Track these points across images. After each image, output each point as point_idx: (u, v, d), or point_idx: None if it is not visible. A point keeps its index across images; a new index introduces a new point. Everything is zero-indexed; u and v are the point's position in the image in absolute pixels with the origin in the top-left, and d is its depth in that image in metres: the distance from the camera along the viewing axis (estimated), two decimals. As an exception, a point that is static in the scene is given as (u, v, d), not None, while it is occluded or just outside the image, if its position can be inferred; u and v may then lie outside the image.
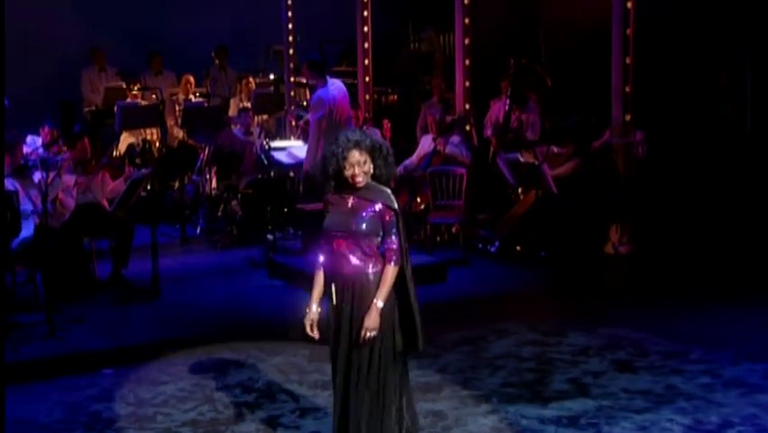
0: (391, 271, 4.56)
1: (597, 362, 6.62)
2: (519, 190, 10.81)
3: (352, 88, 13.82)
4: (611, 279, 9.13)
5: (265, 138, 12.11)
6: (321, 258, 4.67)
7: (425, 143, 10.92)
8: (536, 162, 9.61)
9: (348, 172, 4.53)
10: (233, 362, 6.81)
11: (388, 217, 4.58)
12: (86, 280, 8.85)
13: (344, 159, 4.52)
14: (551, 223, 9.57)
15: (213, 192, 11.57)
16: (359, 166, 4.53)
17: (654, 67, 10.62)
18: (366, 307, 4.54)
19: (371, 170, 4.58)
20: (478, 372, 6.49)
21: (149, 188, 10.84)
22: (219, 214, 11.11)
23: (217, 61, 14.34)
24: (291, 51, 13.19)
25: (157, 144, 13.14)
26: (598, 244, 9.92)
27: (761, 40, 10.57)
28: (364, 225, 4.55)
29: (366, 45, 12.14)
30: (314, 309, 4.65)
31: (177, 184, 12.03)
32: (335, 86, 9.35)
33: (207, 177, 11.70)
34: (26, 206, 8.15)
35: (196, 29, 14.61)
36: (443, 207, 10.01)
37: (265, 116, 13.36)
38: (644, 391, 6.01)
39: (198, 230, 11.34)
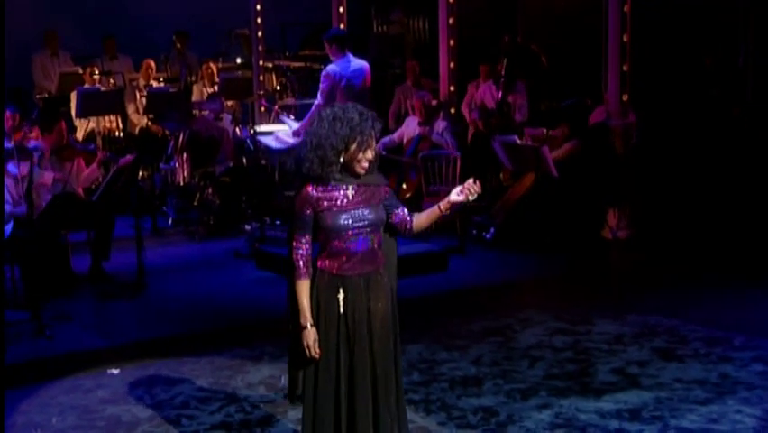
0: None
1: (636, 350, 6.29)
2: (501, 176, 10.52)
3: (316, 73, 13.42)
4: (620, 264, 8.85)
5: (237, 125, 11.63)
6: (305, 263, 3.96)
7: (411, 126, 10.50)
8: (535, 144, 9.26)
9: (360, 156, 3.89)
10: (249, 359, 6.32)
11: (388, 193, 4.06)
12: (65, 274, 8.26)
13: (367, 142, 3.89)
14: (550, 207, 9.24)
15: (184, 181, 11.02)
16: (372, 151, 3.94)
17: (645, 47, 10.39)
18: (382, 302, 4.01)
19: None
20: (515, 363, 6.11)
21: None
22: (195, 203, 10.54)
23: (179, 45, 13.70)
24: (260, 34, 12.67)
25: (117, 133, 12.51)
26: (596, 229, 9.65)
27: (755, 20, 10.42)
28: (380, 214, 3.99)
29: (342, 26, 11.67)
30: (310, 326, 3.94)
31: (143, 173, 11.43)
32: (350, 62, 8.76)
33: (177, 165, 11.15)
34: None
35: (153, 12, 14.01)
36: (437, 193, 9.61)
37: (230, 102, 12.82)
38: (699, 381, 5.69)
39: (170, 221, 10.78)
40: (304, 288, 3.97)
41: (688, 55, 10.86)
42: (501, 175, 10.52)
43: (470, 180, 4.01)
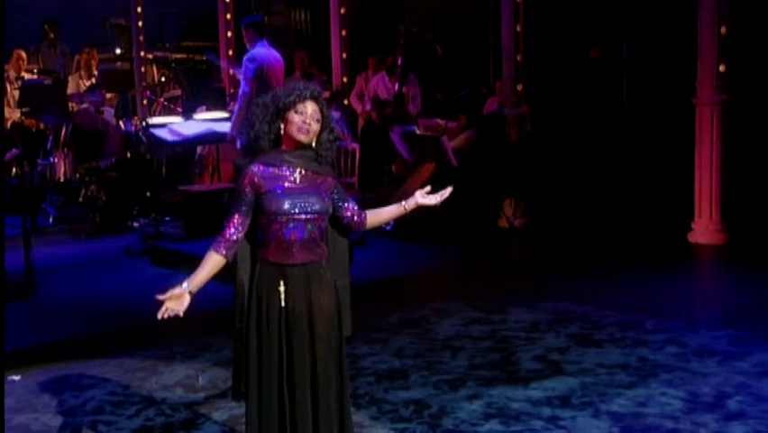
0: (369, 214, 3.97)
1: (553, 337, 6.31)
2: (393, 167, 10.47)
3: (200, 65, 13.13)
4: (521, 252, 8.91)
5: (120, 118, 11.24)
6: (225, 241, 3.72)
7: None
8: (435, 135, 9.24)
9: (297, 118, 3.70)
10: (161, 359, 6.05)
11: (337, 185, 3.88)
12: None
13: (298, 102, 3.70)
14: (449, 197, 9.21)
15: (65, 177, 10.56)
16: (313, 120, 3.73)
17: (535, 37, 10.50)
18: (325, 297, 3.82)
19: (317, 138, 3.76)
20: (437, 354, 6.03)
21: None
22: (80, 200, 10.09)
23: (51, 35, 13.11)
24: (140, 24, 12.24)
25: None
26: (492, 218, 9.71)
27: (639, 12, 10.67)
28: (326, 204, 3.78)
29: (228, 16, 11.41)
30: (187, 293, 3.71)
31: (17, 170, 10.87)
32: (270, 51, 8.51)
33: (57, 160, 10.68)
34: None
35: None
36: (334, 186, 9.46)
37: (109, 95, 12.34)
38: (620, 366, 5.73)
39: (51, 219, 10.31)
40: (211, 259, 3.75)
41: (574, 46, 11.03)
42: (393, 166, 10.45)
43: (449, 189, 4.05)
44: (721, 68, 8.61)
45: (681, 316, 6.66)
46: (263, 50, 8.40)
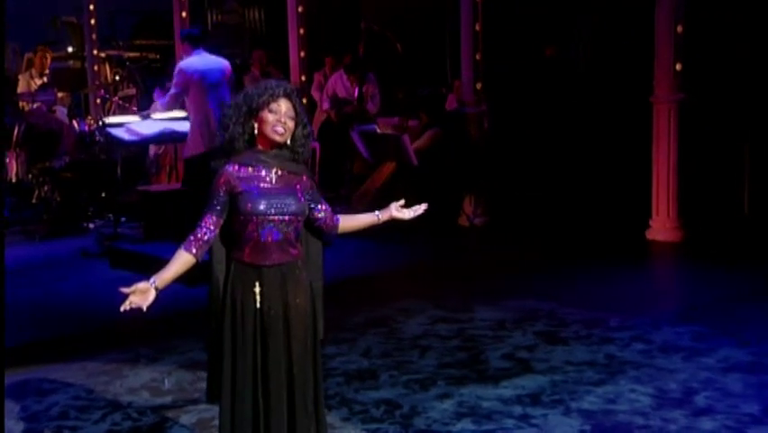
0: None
1: (520, 335, 6.32)
2: (354, 167, 10.44)
3: (155, 63, 12.99)
4: (483, 250, 8.91)
5: (73, 117, 11.06)
6: (197, 242, 3.66)
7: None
8: (396, 133, 9.23)
9: (272, 117, 3.63)
10: (125, 362, 5.95)
11: (312, 185, 3.82)
12: None
13: (271, 101, 3.63)
14: (410, 196, 9.19)
15: (17, 177, 10.39)
16: (287, 117, 3.66)
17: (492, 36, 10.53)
18: (301, 297, 3.77)
19: (291, 135, 3.69)
20: (406, 354, 6.01)
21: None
22: (34, 201, 9.93)
23: (0, 33, 12.85)
24: (93, 22, 12.06)
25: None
26: (453, 217, 9.72)
27: (597, 13, 10.75)
28: (302, 205, 3.72)
29: (184, 14, 11.27)
30: (153, 288, 3.63)
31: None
32: (203, 58, 8.37)
33: (8, 160, 10.49)
34: None
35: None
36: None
37: (60, 94, 12.15)
38: (588, 363, 5.75)
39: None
40: (180, 258, 3.68)
41: (530, 45, 11.08)
42: (354, 166, 10.43)
43: (424, 205, 4.04)
44: (678, 66, 8.69)
45: (645, 313, 6.70)
46: (193, 59, 8.34)
